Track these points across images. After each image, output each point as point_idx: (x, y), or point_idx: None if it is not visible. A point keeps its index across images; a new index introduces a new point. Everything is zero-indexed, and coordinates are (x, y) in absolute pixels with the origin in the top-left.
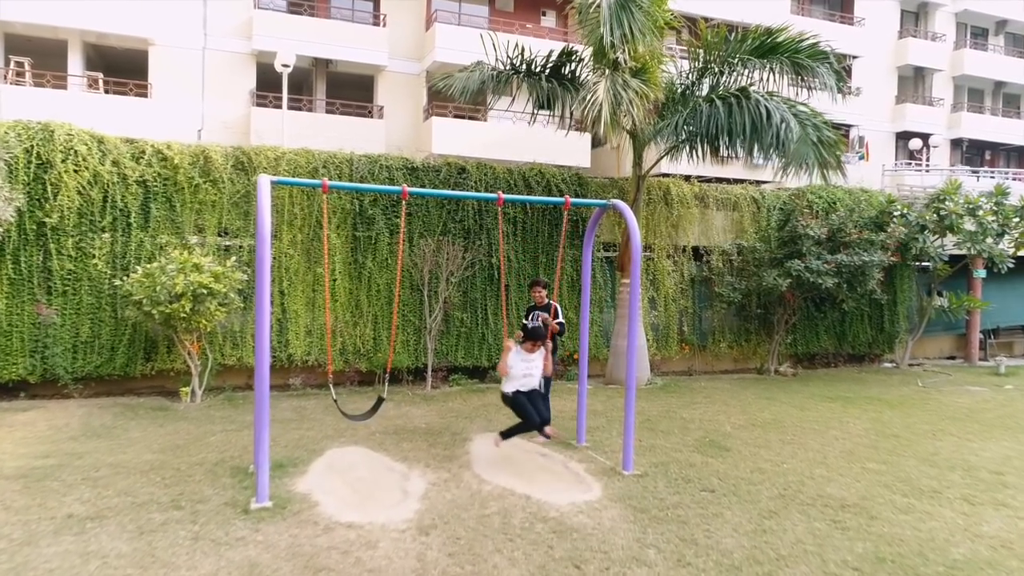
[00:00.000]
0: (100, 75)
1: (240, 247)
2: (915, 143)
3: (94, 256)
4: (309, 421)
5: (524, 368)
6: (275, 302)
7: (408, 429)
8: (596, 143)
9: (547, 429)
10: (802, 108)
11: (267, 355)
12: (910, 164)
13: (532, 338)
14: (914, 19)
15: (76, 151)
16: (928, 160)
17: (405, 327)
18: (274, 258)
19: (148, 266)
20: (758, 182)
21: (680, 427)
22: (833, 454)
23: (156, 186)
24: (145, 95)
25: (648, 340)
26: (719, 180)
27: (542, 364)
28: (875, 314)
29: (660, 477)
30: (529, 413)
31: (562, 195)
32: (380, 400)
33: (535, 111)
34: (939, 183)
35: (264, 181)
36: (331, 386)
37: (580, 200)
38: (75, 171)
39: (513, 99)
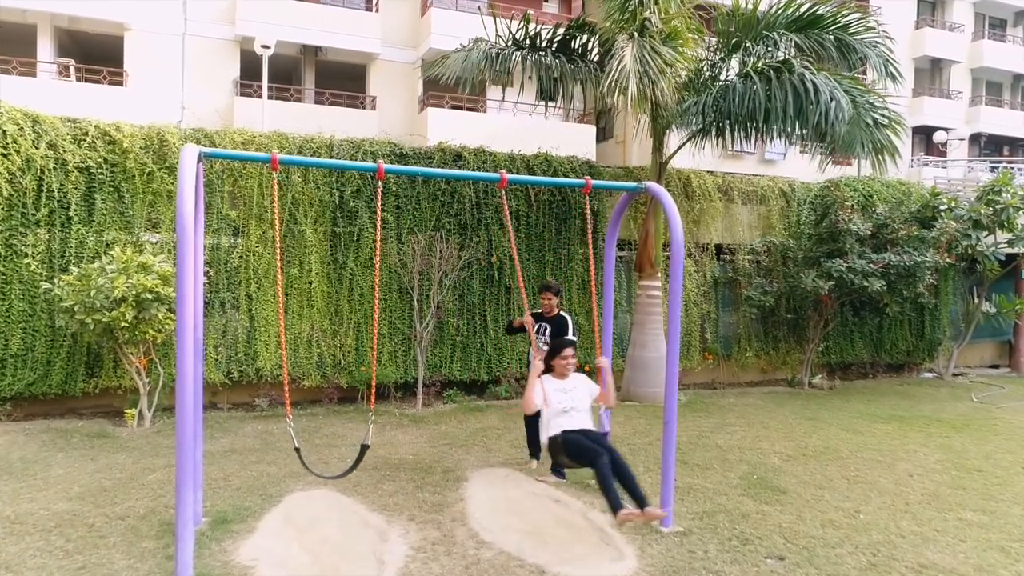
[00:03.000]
0: (71, 61)
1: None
2: (940, 136)
3: (27, 255)
4: (274, 452)
5: (561, 399)
6: (242, 308)
7: (392, 463)
8: (601, 137)
9: (645, 511)
10: (852, 85)
11: (191, 380)
12: (928, 159)
13: (556, 354)
14: (931, 9)
15: (4, 131)
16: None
17: (393, 336)
18: (240, 258)
19: (86, 266)
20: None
21: (719, 459)
22: (915, 498)
23: (102, 173)
24: (121, 83)
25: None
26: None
27: (585, 391)
28: (916, 319)
29: (709, 535)
30: (598, 461)
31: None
32: (364, 449)
33: (545, 100)
34: (961, 177)
35: (189, 152)
36: (291, 430)
37: (605, 183)
38: (3, 155)
39: (521, 88)
